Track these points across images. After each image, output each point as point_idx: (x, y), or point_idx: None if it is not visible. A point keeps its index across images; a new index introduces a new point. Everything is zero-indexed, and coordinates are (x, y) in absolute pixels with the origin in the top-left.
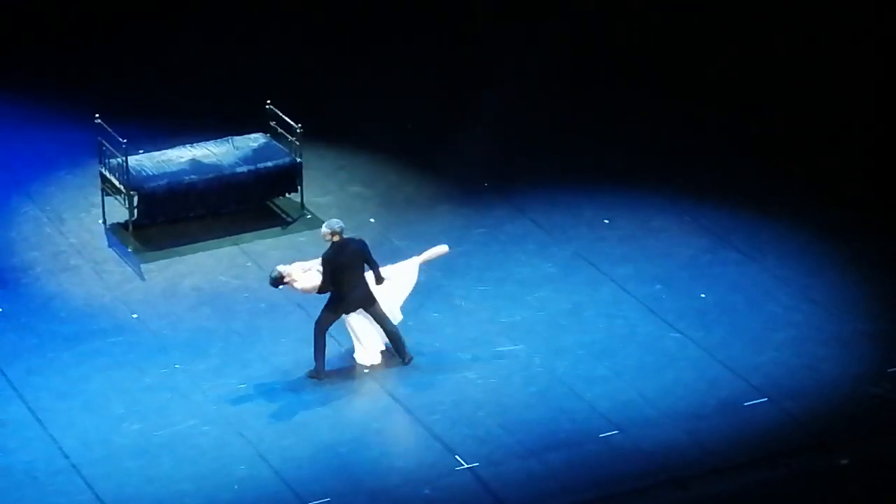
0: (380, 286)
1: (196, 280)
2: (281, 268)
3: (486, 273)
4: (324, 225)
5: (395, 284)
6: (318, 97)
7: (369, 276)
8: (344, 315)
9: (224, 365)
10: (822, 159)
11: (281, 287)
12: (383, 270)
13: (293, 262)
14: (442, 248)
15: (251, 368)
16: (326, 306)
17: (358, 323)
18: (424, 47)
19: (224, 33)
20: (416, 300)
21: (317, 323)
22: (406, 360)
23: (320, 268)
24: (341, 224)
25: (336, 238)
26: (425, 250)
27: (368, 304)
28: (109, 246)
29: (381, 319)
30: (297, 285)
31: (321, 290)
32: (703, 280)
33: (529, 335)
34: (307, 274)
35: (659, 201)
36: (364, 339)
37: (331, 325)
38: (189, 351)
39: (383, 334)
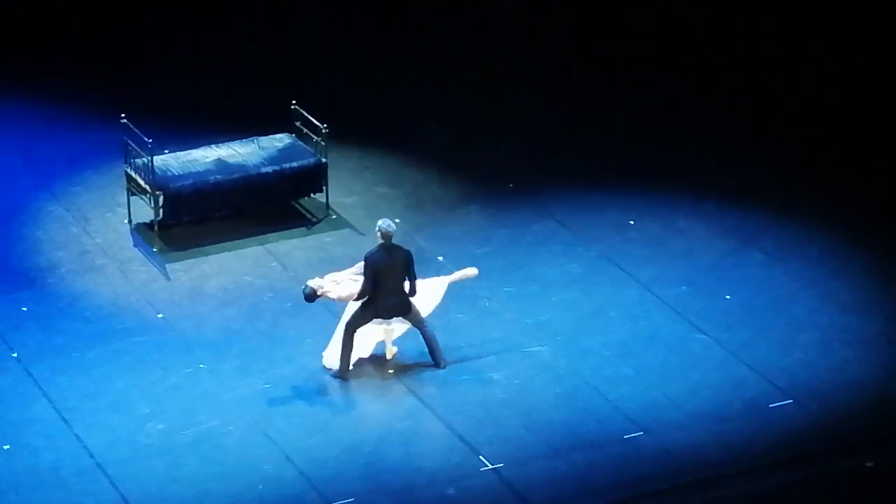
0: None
1: (221, 280)
2: (312, 282)
3: (511, 274)
4: (381, 221)
5: (419, 300)
6: (344, 97)
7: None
8: (375, 321)
9: (249, 365)
10: (848, 161)
11: (317, 301)
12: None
13: (330, 270)
14: (472, 271)
15: (276, 368)
16: (360, 307)
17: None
18: (450, 47)
19: (250, 33)
20: (442, 301)
21: (347, 323)
22: (441, 366)
23: (353, 276)
24: (393, 227)
25: (384, 240)
26: (455, 271)
27: (405, 311)
28: (135, 246)
29: (419, 324)
30: (332, 296)
31: (361, 294)
32: (728, 282)
33: (554, 336)
34: (342, 284)
35: (684, 203)
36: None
37: (361, 326)
38: (214, 351)
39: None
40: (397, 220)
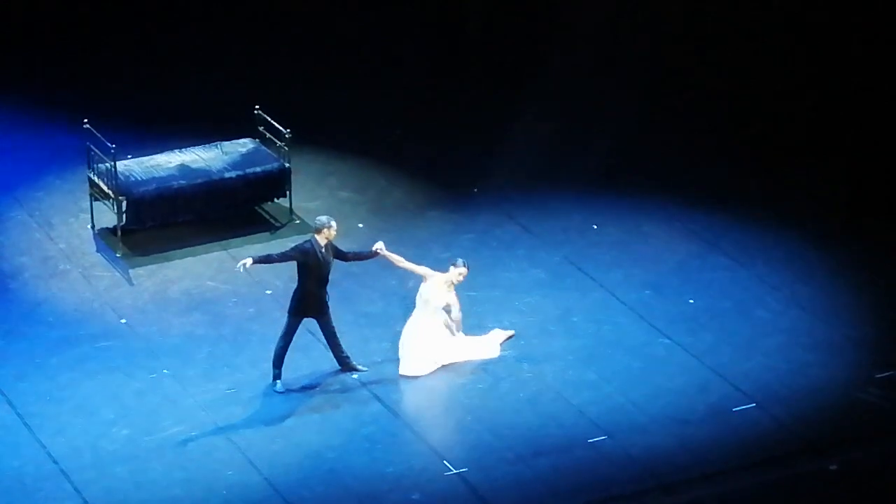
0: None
1: (185, 285)
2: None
3: (475, 279)
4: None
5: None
6: (307, 102)
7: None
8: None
9: (213, 370)
10: (811, 165)
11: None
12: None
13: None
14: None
15: (240, 373)
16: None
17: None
18: (414, 52)
19: (213, 38)
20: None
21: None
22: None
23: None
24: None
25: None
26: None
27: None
28: (98, 251)
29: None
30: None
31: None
32: (692, 286)
33: (518, 341)
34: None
35: (648, 207)
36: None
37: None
38: (178, 356)
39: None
40: (360, 225)
